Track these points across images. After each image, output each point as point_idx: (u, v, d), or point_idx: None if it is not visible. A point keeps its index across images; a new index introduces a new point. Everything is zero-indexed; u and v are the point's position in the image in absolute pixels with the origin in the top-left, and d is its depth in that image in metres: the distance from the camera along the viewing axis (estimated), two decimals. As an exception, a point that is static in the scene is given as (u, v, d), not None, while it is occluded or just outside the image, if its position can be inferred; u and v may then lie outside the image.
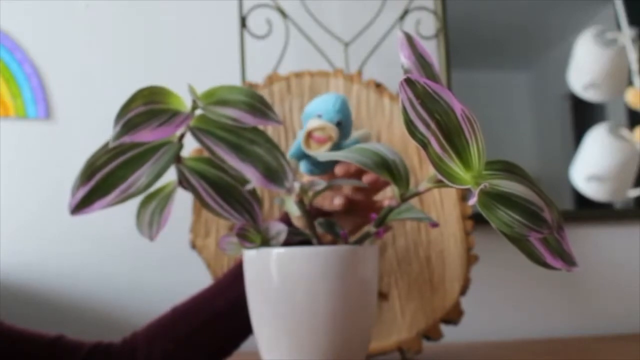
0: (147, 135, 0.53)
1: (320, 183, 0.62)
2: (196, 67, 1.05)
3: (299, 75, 0.92)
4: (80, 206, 0.55)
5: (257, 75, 0.98)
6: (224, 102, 0.56)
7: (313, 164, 0.66)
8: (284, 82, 0.91)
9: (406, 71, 0.47)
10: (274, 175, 0.59)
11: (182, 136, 0.59)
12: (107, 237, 1.01)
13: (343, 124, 0.63)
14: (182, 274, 0.97)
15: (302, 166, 0.67)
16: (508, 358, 0.87)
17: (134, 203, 0.63)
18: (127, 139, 0.52)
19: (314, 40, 1.03)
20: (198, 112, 0.58)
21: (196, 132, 0.58)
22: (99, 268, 1.01)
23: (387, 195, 0.73)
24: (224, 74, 0.98)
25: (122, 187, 0.57)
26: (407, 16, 1.07)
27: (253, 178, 0.58)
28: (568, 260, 0.44)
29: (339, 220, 0.70)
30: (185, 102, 0.58)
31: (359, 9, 1.09)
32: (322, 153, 0.59)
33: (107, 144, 0.55)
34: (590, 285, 1.12)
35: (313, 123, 0.62)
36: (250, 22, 1.02)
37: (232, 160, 0.57)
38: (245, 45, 1.02)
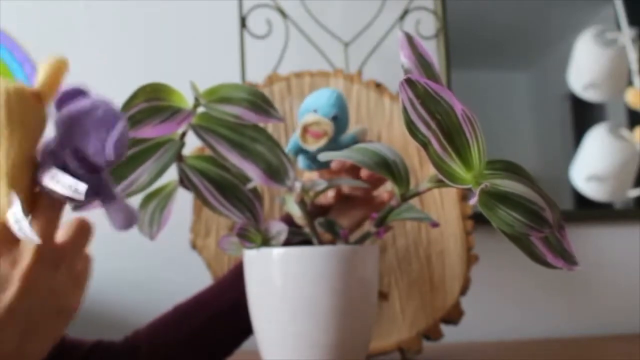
0: (149, 132, 0.53)
1: (322, 183, 0.62)
2: (196, 67, 1.05)
3: (299, 75, 0.92)
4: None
5: (257, 75, 0.98)
6: (226, 100, 0.57)
7: (311, 159, 0.66)
8: (284, 82, 0.91)
9: (406, 71, 0.47)
10: (275, 173, 0.59)
11: (183, 134, 0.60)
12: (107, 237, 1.01)
13: (339, 118, 0.63)
14: (182, 274, 0.97)
15: (300, 161, 0.67)
16: (508, 358, 0.87)
17: (134, 202, 0.63)
18: (129, 135, 0.52)
19: (314, 40, 1.03)
20: (200, 110, 0.58)
21: (198, 129, 0.58)
22: (98, 267, 1.01)
23: (386, 190, 0.73)
24: (224, 74, 0.97)
25: (124, 184, 0.57)
26: (407, 16, 1.07)
27: (255, 176, 0.58)
28: (569, 259, 0.44)
29: (339, 217, 0.71)
30: (187, 99, 0.58)
31: (359, 9, 1.09)
32: (322, 153, 0.59)
33: None
34: (590, 285, 1.12)
35: (308, 118, 0.63)
36: (250, 22, 1.02)
37: (233, 158, 0.58)
38: (245, 45, 1.02)
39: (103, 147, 0.39)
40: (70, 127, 0.40)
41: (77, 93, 0.42)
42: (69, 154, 0.40)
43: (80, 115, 0.41)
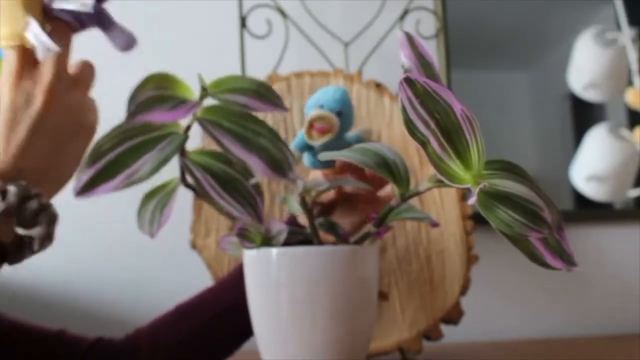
0: (161, 116, 0.54)
1: (323, 183, 0.62)
2: (196, 67, 1.04)
3: (299, 75, 0.92)
4: (84, 189, 0.55)
5: (257, 75, 0.97)
6: (232, 90, 0.57)
7: (316, 157, 0.66)
8: (284, 82, 0.92)
9: (406, 71, 0.47)
10: (278, 166, 0.60)
11: (188, 128, 0.60)
12: (107, 236, 1.01)
13: (344, 114, 0.64)
14: (182, 274, 0.97)
15: (306, 159, 0.67)
16: (508, 358, 0.87)
17: (135, 201, 0.63)
18: (141, 118, 0.53)
19: (314, 40, 1.04)
20: (205, 103, 0.58)
21: (204, 122, 0.58)
22: (99, 267, 1.01)
23: (388, 190, 0.73)
24: (224, 74, 0.98)
25: (127, 172, 0.57)
26: (407, 16, 1.07)
27: (258, 168, 0.59)
28: (568, 260, 0.44)
29: (342, 217, 0.71)
30: (194, 92, 0.58)
31: (359, 9, 1.09)
32: (323, 153, 0.59)
33: (114, 128, 0.56)
34: (590, 285, 1.12)
35: (314, 113, 0.63)
36: (250, 22, 1.02)
37: (238, 151, 0.58)
38: (245, 45, 1.02)
39: None
40: None
41: None
42: None
43: None
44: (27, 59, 0.47)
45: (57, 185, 0.48)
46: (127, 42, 0.50)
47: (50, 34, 0.47)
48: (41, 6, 0.47)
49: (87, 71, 0.50)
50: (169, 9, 1.08)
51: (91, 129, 0.49)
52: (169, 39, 1.07)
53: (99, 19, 0.49)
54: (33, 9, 0.47)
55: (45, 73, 0.46)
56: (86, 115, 0.48)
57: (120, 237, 1.01)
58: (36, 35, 0.46)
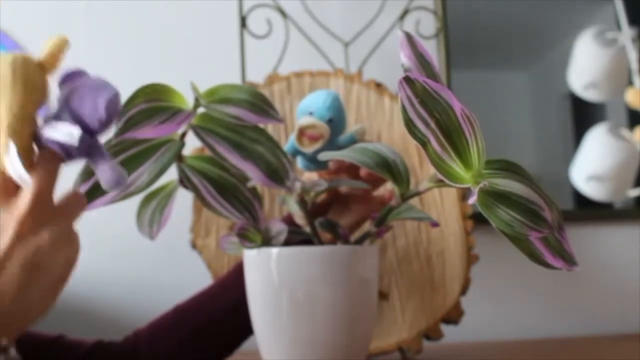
0: (149, 132, 0.53)
1: (322, 184, 0.62)
2: (196, 67, 1.05)
3: (299, 75, 0.92)
4: None
5: (257, 75, 0.98)
6: (226, 100, 0.57)
7: (309, 160, 0.66)
8: (284, 82, 0.92)
9: (406, 70, 0.47)
10: (275, 173, 0.59)
11: (183, 134, 0.60)
12: (107, 237, 1.01)
13: (335, 121, 0.64)
14: (182, 274, 0.97)
15: (299, 162, 0.67)
16: (508, 358, 0.87)
17: (134, 202, 0.63)
18: (129, 135, 0.52)
19: (314, 40, 1.03)
20: (200, 110, 0.58)
21: (198, 130, 0.58)
22: (99, 267, 1.01)
23: (387, 188, 0.73)
24: (224, 74, 0.98)
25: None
26: (407, 16, 1.07)
27: (255, 176, 0.58)
28: (568, 259, 0.44)
29: (338, 216, 0.71)
30: (187, 100, 0.58)
31: (359, 9, 1.09)
32: (323, 153, 0.59)
33: (109, 141, 0.55)
34: (590, 285, 1.12)
35: (304, 121, 0.63)
36: (250, 22, 1.02)
37: (234, 159, 0.58)
38: (245, 45, 1.02)
39: (96, 108, 0.45)
40: (69, 95, 0.46)
41: (77, 74, 0.48)
42: (67, 117, 0.46)
43: (77, 85, 0.47)
44: (7, 184, 0.44)
45: (21, 325, 0.45)
46: (115, 181, 0.46)
47: (31, 161, 0.45)
48: (31, 131, 0.45)
49: (74, 202, 0.47)
50: (169, 9, 1.08)
51: (66, 266, 0.46)
52: (169, 39, 1.07)
53: (89, 152, 0.46)
54: (18, 134, 0.44)
55: (21, 205, 0.43)
56: (61, 252, 0.45)
57: (120, 237, 1.00)
58: (13, 163, 0.43)
